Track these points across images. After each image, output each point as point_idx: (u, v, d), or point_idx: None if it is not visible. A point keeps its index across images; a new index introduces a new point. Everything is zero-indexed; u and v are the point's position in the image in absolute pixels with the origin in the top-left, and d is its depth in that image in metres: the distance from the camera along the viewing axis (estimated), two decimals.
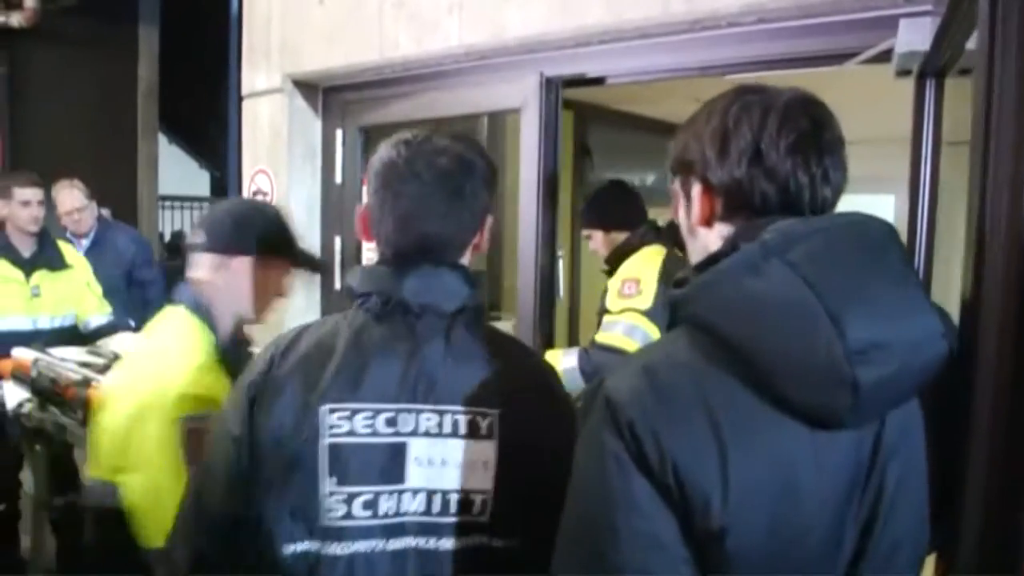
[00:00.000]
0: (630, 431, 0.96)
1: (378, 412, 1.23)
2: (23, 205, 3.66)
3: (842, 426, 0.96)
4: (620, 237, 3.17)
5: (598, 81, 2.78)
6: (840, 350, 0.91)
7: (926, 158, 2.06)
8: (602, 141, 5.01)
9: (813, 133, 1.06)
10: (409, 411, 1.24)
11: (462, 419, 1.24)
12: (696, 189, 1.12)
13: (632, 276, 2.96)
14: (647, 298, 2.85)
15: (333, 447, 1.21)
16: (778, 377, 0.94)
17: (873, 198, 5.52)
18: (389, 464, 1.22)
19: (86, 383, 2.67)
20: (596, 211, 3.27)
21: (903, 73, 2.02)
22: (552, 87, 2.78)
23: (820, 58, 2.37)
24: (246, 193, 3.65)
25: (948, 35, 1.65)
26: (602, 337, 2.88)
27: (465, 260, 1.34)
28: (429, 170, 1.26)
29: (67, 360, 2.94)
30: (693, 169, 1.12)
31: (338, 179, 3.49)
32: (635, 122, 5.05)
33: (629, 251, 3.11)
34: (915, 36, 1.83)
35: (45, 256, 3.77)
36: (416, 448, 1.23)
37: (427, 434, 1.23)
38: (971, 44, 1.64)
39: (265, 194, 3.54)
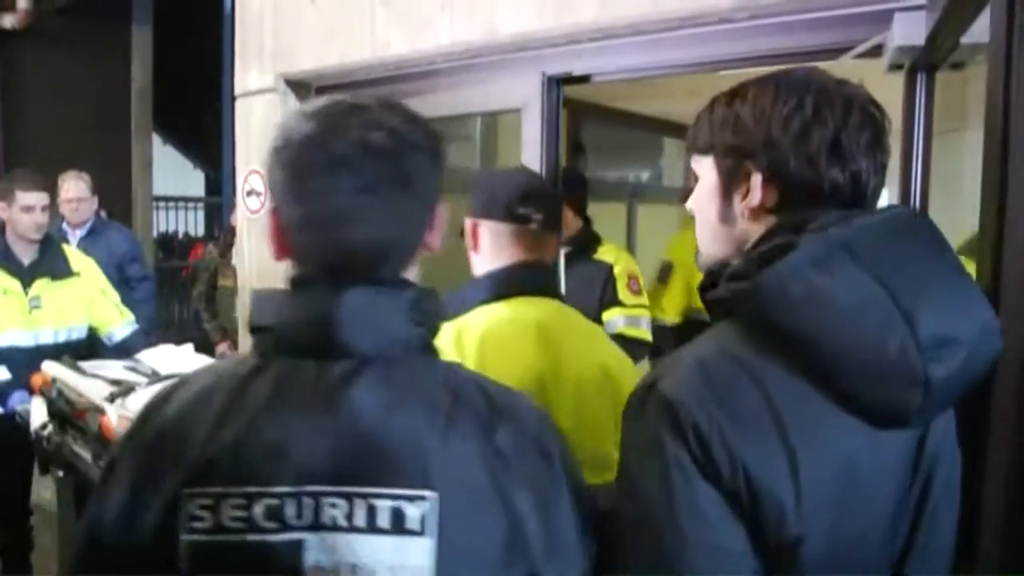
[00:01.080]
0: (695, 435, 0.91)
1: (255, 498, 0.88)
2: (26, 210, 3.34)
3: (907, 424, 0.95)
4: (578, 222, 3.27)
5: (584, 79, 2.79)
6: (914, 347, 0.90)
7: (918, 151, 2.06)
8: (596, 138, 5.02)
9: (880, 133, 1.05)
10: (305, 496, 0.88)
11: (383, 506, 0.88)
12: (756, 177, 1.04)
13: (633, 273, 3.17)
14: (645, 295, 3.09)
15: (192, 547, 0.88)
16: (846, 375, 0.92)
17: None
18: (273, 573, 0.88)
19: (98, 411, 2.39)
20: (570, 188, 3.23)
21: (895, 67, 2.02)
22: (553, 86, 2.78)
23: (813, 53, 2.37)
24: (239, 194, 3.64)
25: (943, 30, 1.65)
26: (633, 332, 3.04)
27: (412, 271, 1.02)
28: (358, 151, 0.93)
29: (99, 377, 2.62)
30: (752, 154, 1.04)
31: None
32: (629, 119, 5.05)
33: (596, 239, 3.29)
34: (910, 31, 1.83)
35: (47, 263, 3.44)
36: (314, 549, 0.87)
37: (331, 528, 0.88)
38: (966, 39, 1.65)
39: (258, 194, 3.53)
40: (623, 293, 3.11)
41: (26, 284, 3.38)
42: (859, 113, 1.02)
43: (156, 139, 9.47)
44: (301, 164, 0.95)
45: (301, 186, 0.95)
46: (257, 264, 3.58)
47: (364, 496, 0.88)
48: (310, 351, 0.94)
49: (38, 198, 3.38)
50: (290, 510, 0.87)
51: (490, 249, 1.69)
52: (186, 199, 12.25)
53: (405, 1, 2.95)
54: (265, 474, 0.89)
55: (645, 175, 5.59)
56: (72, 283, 3.49)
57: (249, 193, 3.57)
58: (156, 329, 5.07)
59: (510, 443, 0.95)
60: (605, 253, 3.27)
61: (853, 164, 1.02)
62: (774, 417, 0.91)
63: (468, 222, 1.74)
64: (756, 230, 1.06)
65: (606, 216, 4.83)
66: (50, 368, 2.79)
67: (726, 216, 1.09)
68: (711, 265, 1.12)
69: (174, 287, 8.49)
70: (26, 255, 3.41)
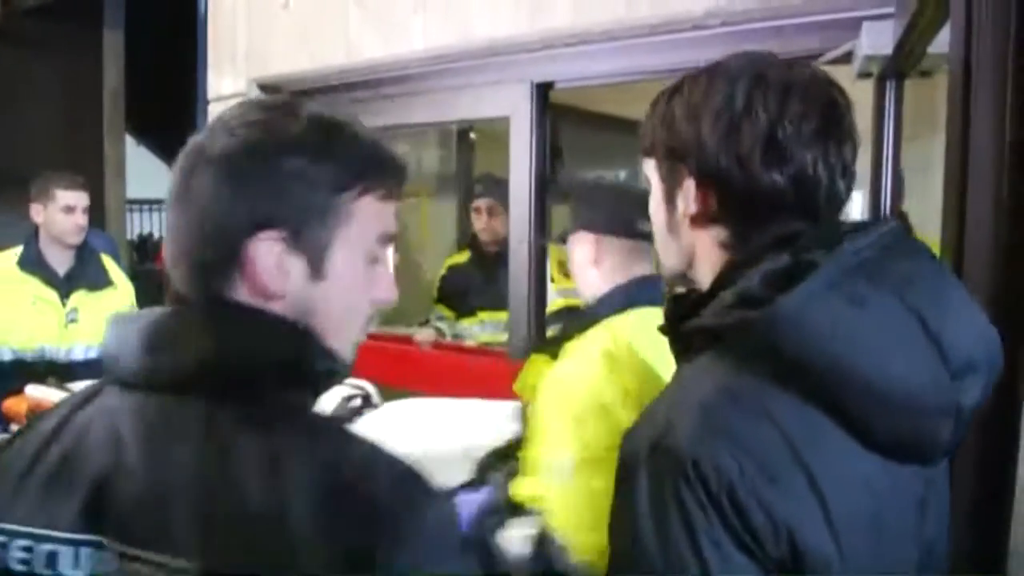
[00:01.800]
0: (731, 500, 0.78)
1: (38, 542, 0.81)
2: (66, 211, 3.03)
3: (932, 458, 0.88)
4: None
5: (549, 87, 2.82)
6: (946, 376, 0.83)
7: (888, 158, 2.08)
8: (572, 142, 5.02)
9: (835, 119, 0.91)
10: (64, 544, 0.80)
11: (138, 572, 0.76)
12: (688, 181, 0.94)
13: (563, 259, 3.13)
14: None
15: None
16: (873, 408, 0.82)
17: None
18: None
19: None
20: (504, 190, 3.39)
21: (865, 75, 2.04)
22: (541, 93, 2.80)
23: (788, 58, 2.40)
24: None
25: (910, 39, 1.67)
26: (575, 301, 3.07)
27: (246, 296, 0.84)
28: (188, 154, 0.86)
29: None
30: (685, 155, 0.94)
31: None
32: (605, 122, 5.06)
33: None
34: (878, 39, 1.85)
35: (85, 273, 3.14)
36: None
37: None
38: (932, 48, 1.67)
39: None
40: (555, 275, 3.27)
41: (63, 295, 3.07)
42: (800, 100, 0.89)
43: (129, 140, 9.37)
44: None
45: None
46: None
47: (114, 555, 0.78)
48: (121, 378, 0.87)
49: (79, 197, 3.09)
50: (63, 559, 0.80)
51: (613, 265, 1.73)
52: (160, 202, 12.13)
53: (378, 3, 2.94)
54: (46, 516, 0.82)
55: (622, 178, 5.61)
56: (109, 295, 3.19)
57: None
58: None
59: None
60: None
61: (793, 164, 0.89)
62: (798, 461, 0.80)
63: (585, 236, 1.76)
64: (703, 240, 0.96)
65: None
66: (39, 392, 2.53)
67: (671, 225, 1.00)
68: (671, 282, 1.06)
69: (149, 291, 8.38)
70: (62, 263, 3.10)
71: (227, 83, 3.50)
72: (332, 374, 0.88)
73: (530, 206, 2.83)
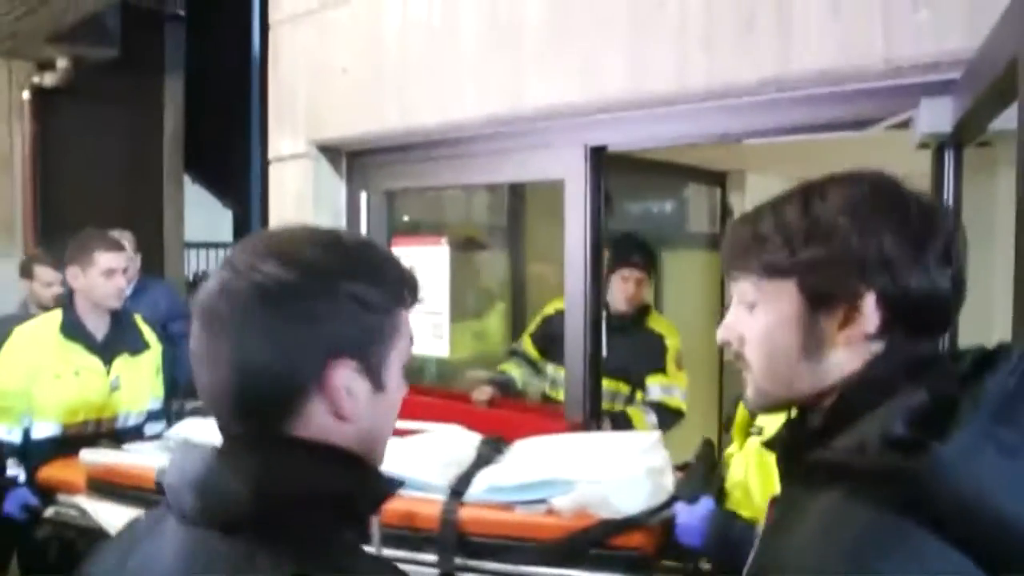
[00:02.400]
0: None
1: None
2: (107, 275, 2.88)
3: None
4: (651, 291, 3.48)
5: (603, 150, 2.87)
6: None
7: None
8: (620, 187, 5.05)
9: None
10: None
11: None
12: (870, 297, 0.91)
13: (680, 349, 3.40)
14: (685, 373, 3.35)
15: None
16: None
17: None
18: None
19: None
20: (654, 260, 3.53)
21: (923, 146, 2.04)
22: (597, 156, 2.85)
23: (839, 125, 2.40)
24: None
25: (970, 121, 1.67)
26: (672, 402, 3.30)
27: (309, 427, 0.88)
28: (228, 291, 0.88)
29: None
30: (863, 271, 0.91)
31: None
32: (652, 167, 5.07)
33: (648, 308, 3.50)
34: (936, 118, 1.86)
35: (124, 338, 3.02)
36: None
37: None
38: (996, 124, 1.67)
39: None
40: (670, 366, 3.34)
41: (107, 362, 2.95)
42: (953, 220, 0.96)
43: (185, 178, 9.64)
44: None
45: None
46: None
47: None
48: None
49: (119, 259, 2.94)
50: None
51: None
52: (216, 244, 12.39)
53: (432, 71, 3.01)
54: None
55: (671, 222, 5.61)
56: (147, 358, 3.10)
57: None
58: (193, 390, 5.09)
59: None
60: (655, 323, 3.47)
61: (962, 275, 0.95)
62: None
63: None
64: (854, 359, 0.94)
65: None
66: (93, 457, 2.48)
67: (810, 348, 0.95)
68: (771, 407, 1.03)
69: None
70: (99, 328, 2.97)
71: (287, 143, 3.60)
72: (386, 497, 0.93)
73: (585, 270, 2.86)
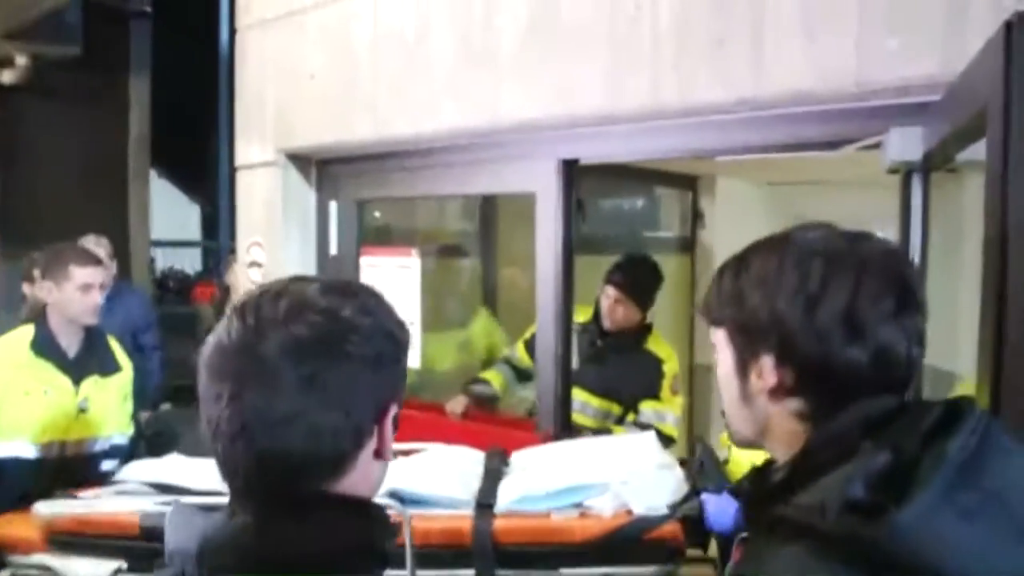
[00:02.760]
0: None
1: None
2: (83, 290, 2.70)
3: None
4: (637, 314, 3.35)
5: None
6: None
7: (914, 252, 2.07)
8: (592, 193, 5.04)
9: (909, 293, 0.94)
10: None
11: None
12: (767, 359, 0.96)
13: (677, 372, 3.34)
14: (680, 397, 3.33)
15: None
16: None
17: None
18: None
19: None
20: (641, 286, 3.36)
21: (892, 171, 2.05)
22: (569, 170, 2.84)
23: (811, 145, 2.42)
24: (241, 265, 3.67)
25: (939, 152, 1.68)
26: (664, 428, 3.18)
27: (351, 483, 0.90)
28: (273, 346, 0.85)
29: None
30: (761, 332, 0.96)
31: (333, 251, 3.51)
32: (624, 172, 5.08)
33: (648, 328, 3.38)
34: (906, 146, 1.87)
35: (96, 357, 2.83)
36: None
37: None
38: (965, 155, 1.68)
39: (260, 266, 3.55)
40: (665, 391, 3.27)
41: (76, 382, 2.75)
42: (876, 277, 0.92)
43: (152, 173, 9.51)
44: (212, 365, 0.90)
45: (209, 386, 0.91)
46: None
47: None
48: None
49: (97, 274, 2.76)
50: None
51: None
52: (183, 243, 12.28)
53: (406, 84, 2.98)
54: None
55: (643, 228, 5.63)
56: (117, 380, 2.90)
57: (251, 264, 3.59)
58: (164, 397, 4.98)
59: None
60: (655, 345, 3.38)
61: (873, 340, 0.91)
62: None
63: None
64: (779, 412, 0.98)
65: (604, 270, 4.86)
66: (47, 511, 2.21)
67: (745, 396, 1.01)
68: (742, 445, 1.06)
69: (176, 330, 8.18)
70: (72, 346, 2.78)
71: (255, 151, 3.55)
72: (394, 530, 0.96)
73: (556, 284, 2.85)
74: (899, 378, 0.94)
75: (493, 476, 2.24)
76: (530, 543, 2.03)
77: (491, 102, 2.76)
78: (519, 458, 2.43)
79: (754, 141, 2.45)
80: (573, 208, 2.89)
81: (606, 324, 3.32)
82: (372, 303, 0.93)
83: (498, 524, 2.03)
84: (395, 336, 0.93)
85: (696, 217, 5.46)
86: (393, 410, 0.93)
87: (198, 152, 14.68)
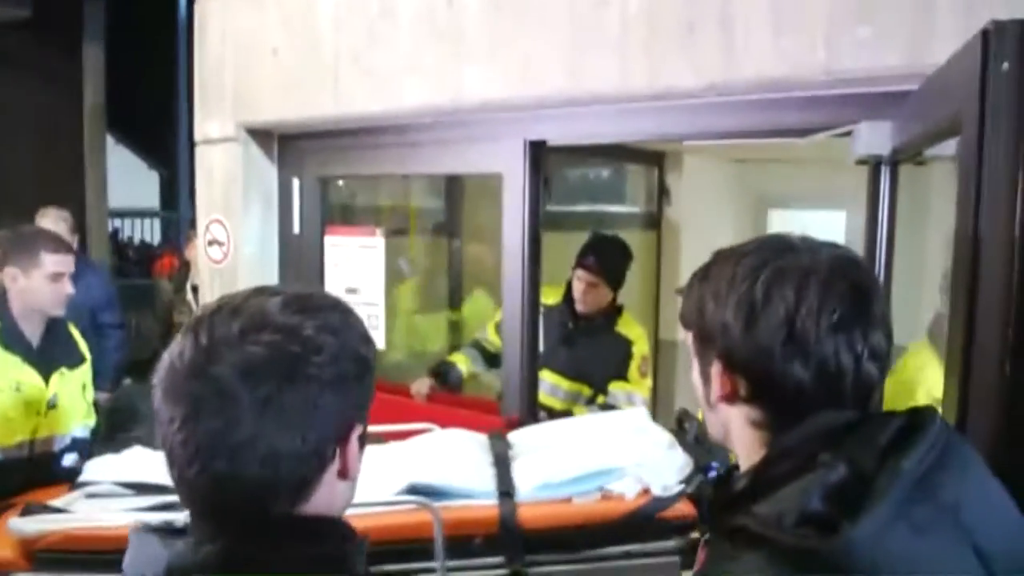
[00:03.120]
0: None
1: None
2: (52, 279, 2.51)
3: None
4: (609, 296, 3.33)
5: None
6: None
7: (881, 239, 2.08)
8: (558, 170, 5.01)
9: (859, 305, 0.91)
10: None
11: None
12: (716, 366, 0.97)
13: (646, 353, 3.32)
14: (649, 378, 3.32)
15: None
16: None
17: (825, 214, 5.62)
18: None
19: None
20: (614, 268, 3.33)
21: (860, 162, 2.04)
22: (536, 152, 2.79)
23: (779, 132, 2.41)
24: (200, 243, 3.59)
25: (907, 149, 1.68)
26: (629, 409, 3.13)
27: (317, 505, 0.88)
28: (227, 368, 0.82)
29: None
30: (712, 340, 0.97)
31: (296, 229, 3.44)
32: (592, 147, 5.04)
33: (618, 313, 3.36)
34: (875, 140, 1.86)
35: (60, 348, 2.65)
36: None
37: None
38: (935, 151, 1.68)
39: (221, 244, 3.48)
40: (634, 373, 3.24)
41: (45, 376, 2.56)
42: (820, 290, 0.90)
43: (109, 139, 9.29)
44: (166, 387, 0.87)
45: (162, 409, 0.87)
46: None
47: None
48: None
49: (68, 263, 2.58)
50: None
51: None
52: (142, 213, 12.02)
53: (370, 58, 2.91)
54: None
55: (609, 204, 5.61)
56: (81, 371, 2.75)
57: (211, 243, 3.52)
58: (124, 375, 4.86)
59: None
60: (626, 327, 3.37)
61: (821, 351, 0.89)
62: None
63: None
64: (736, 417, 0.99)
65: (571, 246, 4.83)
66: (31, 525, 1.95)
67: (709, 401, 1.02)
68: (718, 443, 1.07)
69: (139, 304, 7.93)
70: (35, 337, 2.58)
71: (214, 126, 3.46)
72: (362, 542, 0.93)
73: (522, 266, 2.82)
74: (850, 393, 0.92)
75: (503, 462, 2.25)
76: (555, 528, 2.07)
77: (456, 81, 2.71)
78: (519, 439, 2.44)
79: (724, 126, 2.43)
80: (541, 190, 2.85)
81: (580, 308, 3.30)
82: (336, 320, 0.89)
83: (523, 512, 2.06)
84: (360, 355, 0.90)
85: (662, 193, 5.46)
86: (358, 430, 0.90)
87: (157, 118, 14.39)
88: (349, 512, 0.94)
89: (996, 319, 1.11)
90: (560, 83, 2.50)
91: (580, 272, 3.29)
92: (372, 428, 2.37)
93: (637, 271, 5.53)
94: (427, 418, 3.09)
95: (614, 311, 3.37)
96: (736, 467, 1.05)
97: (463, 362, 3.39)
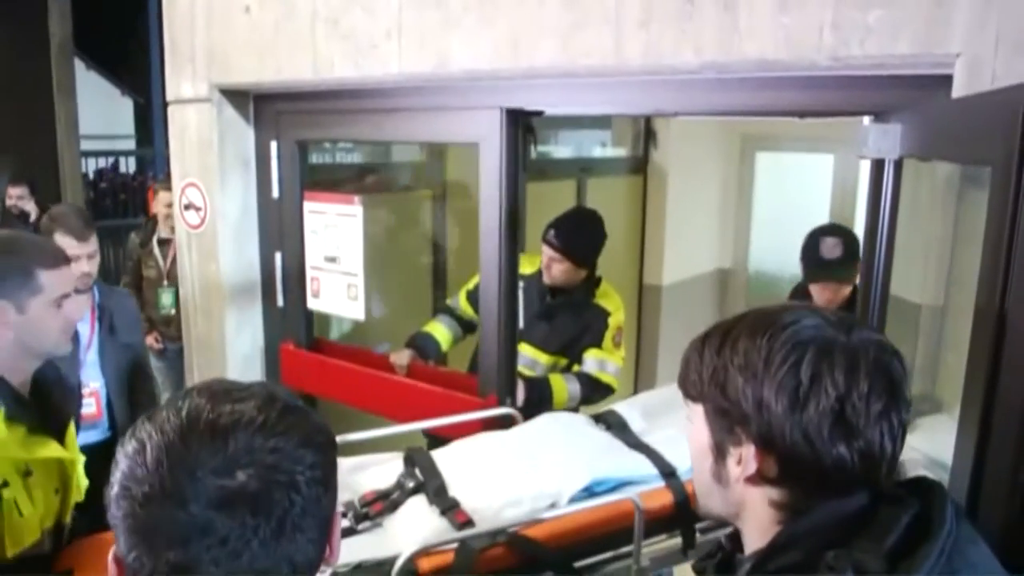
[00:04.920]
0: None
1: None
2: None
3: None
4: (583, 273, 3.24)
5: (539, 113, 2.72)
6: None
7: (882, 235, 2.01)
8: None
9: (898, 390, 0.91)
10: None
11: None
12: (748, 447, 0.94)
13: (621, 324, 3.25)
14: (623, 349, 3.27)
15: None
16: None
17: (814, 157, 5.55)
18: None
19: None
20: (578, 247, 3.21)
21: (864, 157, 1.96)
22: (514, 120, 2.67)
23: (778, 112, 2.31)
24: (176, 208, 3.46)
25: (922, 155, 1.60)
26: (604, 376, 3.19)
27: None
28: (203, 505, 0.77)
29: None
30: (745, 420, 0.93)
31: (275, 193, 3.32)
32: None
33: (596, 285, 3.30)
34: (884, 144, 1.78)
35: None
36: None
37: None
38: None
39: (198, 209, 3.36)
40: (607, 342, 3.20)
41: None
42: (868, 374, 0.89)
43: (79, 64, 8.98)
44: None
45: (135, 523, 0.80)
46: (200, 279, 3.43)
47: None
48: None
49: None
50: None
51: None
52: (115, 152, 11.67)
53: (349, 21, 2.76)
54: None
55: (597, 150, 5.50)
56: None
57: (187, 207, 3.39)
58: None
59: None
60: (604, 298, 3.30)
61: (861, 439, 0.89)
62: None
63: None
64: (755, 497, 0.96)
65: (556, 195, 4.75)
66: None
67: (720, 476, 0.99)
68: (707, 517, 1.07)
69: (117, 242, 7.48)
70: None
71: (187, 86, 3.29)
72: None
73: (500, 238, 2.72)
74: (881, 473, 0.93)
75: (640, 445, 2.36)
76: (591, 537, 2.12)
77: (439, 49, 2.57)
78: (628, 412, 2.56)
79: (718, 105, 2.33)
80: (519, 160, 2.73)
81: (546, 280, 3.24)
82: (307, 418, 0.86)
83: (689, 488, 2.11)
84: (328, 449, 0.87)
85: (649, 137, 5.35)
86: (339, 518, 0.91)
87: (128, 44, 13.93)
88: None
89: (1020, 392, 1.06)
90: (552, 56, 2.38)
91: (544, 246, 3.21)
92: (365, 435, 2.34)
93: (623, 216, 5.47)
94: (406, 394, 3.05)
95: (591, 284, 3.30)
96: (737, 538, 1.03)
97: (440, 333, 3.35)
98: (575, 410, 3.15)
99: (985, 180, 1.19)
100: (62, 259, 1.91)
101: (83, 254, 2.57)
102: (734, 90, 2.27)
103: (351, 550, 1.84)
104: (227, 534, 0.77)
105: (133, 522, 0.78)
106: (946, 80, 1.75)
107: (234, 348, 3.39)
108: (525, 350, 3.16)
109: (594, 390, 3.17)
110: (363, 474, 2.24)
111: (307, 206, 3.22)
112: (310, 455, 0.83)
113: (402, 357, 3.14)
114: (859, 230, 2.39)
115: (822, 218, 5.48)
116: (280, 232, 3.33)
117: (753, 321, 0.97)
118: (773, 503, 0.95)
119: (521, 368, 3.05)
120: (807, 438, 0.89)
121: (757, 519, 0.97)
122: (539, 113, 2.69)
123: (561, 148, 5.31)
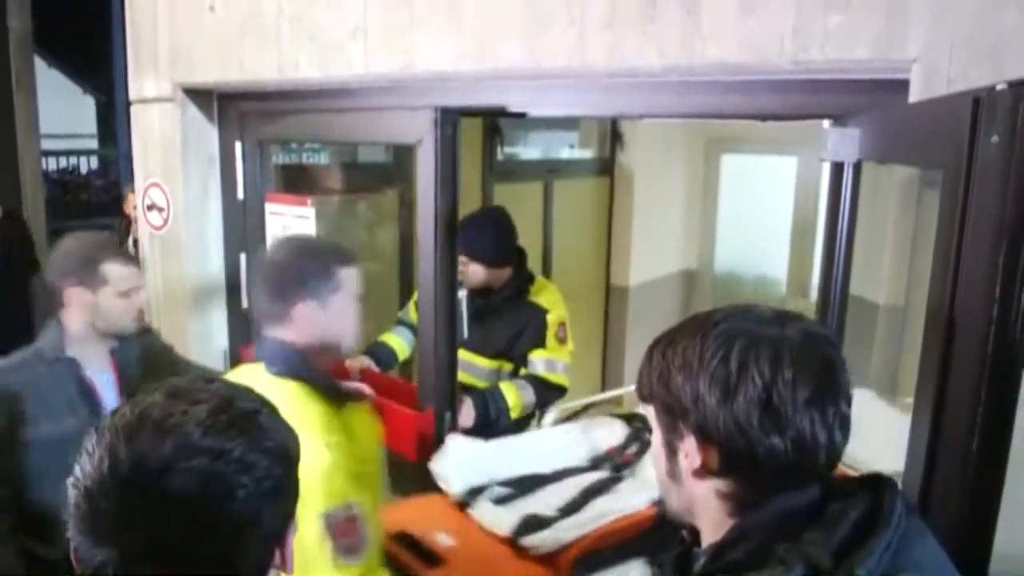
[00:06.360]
0: None
1: None
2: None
3: None
4: (504, 272, 3.16)
5: (480, 112, 2.73)
6: None
7: (841, 237, 2.04)
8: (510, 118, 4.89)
9: (831, 378, 0.93)
10: None
11: None
12: (690, 440, 0.97)
13: (563, 319, 3.16)
14: (570, 342, 3.17)
15: None
16: None
17: (778, 159, 5.62)
18: None
19: None
20: (481, 249, 3.10)
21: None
22: (448, 121, 2.58)
23: (742, 115, 2.34)
24: (140, 208, 3.42)
25: (879, 159, 1.63)
26: (554, 377, 3.11)
27: None
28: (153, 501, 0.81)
29: None
30: (683, 413, 0.97)
31: (240, 194, 3.29)
32: None
33: (528, 282, 3.23)
34: (843, 148, 1.80)
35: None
36: None
37: None
38: None
39: (161, 209, 3.32)
40: (551, 340, 3.12)
41: None
42: (792, 363, 0.91)
43: (40, 63, 8.82)
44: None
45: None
46: (163, 281, 3.40)
47: None
48: None
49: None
50: None
51: None
52: (77, 152, 11.48)
53: (314, 20, 2.74)
54: None
55: (564, 152, 5.51)
56: None
57: (150, 208, 3.36)
58: None
59: None
60: (538, 295, 3.21)
61: (792, 428, 0.91)
62: None
63: None
64: (704, 493, 0.98)
65: (523, 196, 4.76)
66: None
67: (674, 474, 1.02)
68: (676, 516, 1.07)
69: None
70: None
71: (149, 86, 3.26)
72: None
73: (435, 241, 2.62)
74: (821, 465, 0.94)
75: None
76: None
77: (404, 50, 2.56)
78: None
79: (682, 107, 2.34)
80: (456, 162, 2.64)
81: (463, 283, 3.09)
82: (265, 426, 0.88)
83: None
84: (288, 456, 0.90)
85: (616, 139, 5.38)
86: (291, 529, 0.92)
87: (91, 42, 13.70)
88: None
89: (969, 389, 1.08)
90: (516, 57, 2.38)
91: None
92: None
93: (590, 217, 5.50)
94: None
95: (522, 282, 3.21)
96: (696, 536, 1.05)
97: (395, 343, 3.31)
98: (532, 416, 3.13)
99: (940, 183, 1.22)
100: (351, 258, 1.96)
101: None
102: (698, 93, 2.29)
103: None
104: (159, 532, 0.80)
105: (76, 512, 0.82)
106: (903, 85, 1.79)
107: (198, 351, 3.36)
108: (462, 355, 3.03)
109: (547, 393, 3.09)
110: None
111: (268, 207, 3.19)
112: (263, 464, 0.84)
113: (357, 362, 3.04)
114: (821, 231, 2.43)
115: (786, 219, 5.56)
116: (245, 233, 3.31)
117: (691, 322, 1.01)
118: (721, 495, 0.98)
119: (462, 375, 2.94)
120: (739, 428, 0.92)
121: (709, 513, 1.00)
122: (476, 113, 2.68)
123: (529, 150, 5.30)
